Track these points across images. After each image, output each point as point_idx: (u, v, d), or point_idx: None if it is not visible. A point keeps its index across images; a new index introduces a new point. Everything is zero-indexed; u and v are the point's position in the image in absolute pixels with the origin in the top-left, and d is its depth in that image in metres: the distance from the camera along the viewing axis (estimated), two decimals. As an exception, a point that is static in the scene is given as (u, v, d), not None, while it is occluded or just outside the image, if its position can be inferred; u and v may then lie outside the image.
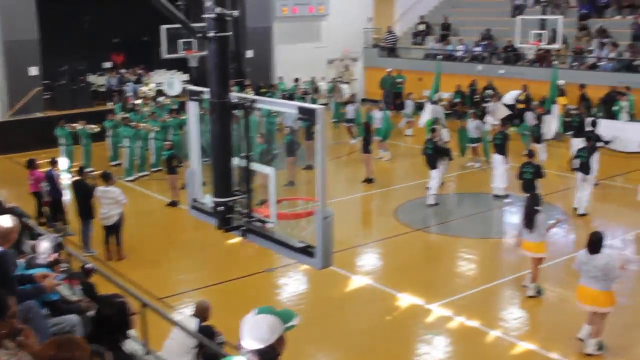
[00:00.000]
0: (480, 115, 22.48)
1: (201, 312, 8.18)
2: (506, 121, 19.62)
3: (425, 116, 21.78)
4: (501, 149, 17.34)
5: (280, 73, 29.69)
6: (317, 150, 3.96)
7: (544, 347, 10.02)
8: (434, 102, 22.20)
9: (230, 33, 4.34)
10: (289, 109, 4.26)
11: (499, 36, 28.89)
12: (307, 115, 4.03)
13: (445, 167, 17.78)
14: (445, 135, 19.37)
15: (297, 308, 11.30)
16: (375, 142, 20.61)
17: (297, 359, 9.40)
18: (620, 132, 20.55)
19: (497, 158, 17.42)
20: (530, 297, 11.57)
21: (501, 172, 17.28)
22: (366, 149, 18.93)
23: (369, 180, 18.94)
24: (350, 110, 24.23)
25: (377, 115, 21.62)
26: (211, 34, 4.24)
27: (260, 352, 3.63)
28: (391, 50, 32.53)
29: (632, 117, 22.73)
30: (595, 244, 9.48)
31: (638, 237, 14.53)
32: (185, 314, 9.58)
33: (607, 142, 18.20)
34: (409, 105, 25.35)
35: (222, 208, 4.48)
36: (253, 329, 3.62)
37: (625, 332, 10.40)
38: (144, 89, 25.85)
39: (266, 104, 4.68)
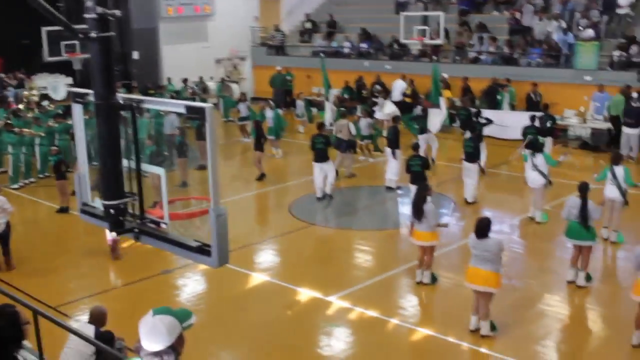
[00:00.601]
0: (370, 111, 22.89)
1: (97, 318, 7.97)
2: (397, 117, 20.06)
3: (328, 114, 22.31)
4: (393, 143, 17.75)
5: (168, 74, 29.33)
6: (208, 148, 3.96)
7: (440, 332, 10.33)
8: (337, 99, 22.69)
9: (113, 33, 4.26)
10: (177, 108, 4.23)
11: (384, 32, 29.48)
12: (196, 114, 4.02)
13: (351, 161, 18.12)
14: (352, 128, 19.66)
15: (197, 308, 11.22)
16: (268, 140, 20.67)
17: (201, 359, 9.36)
18: (503, 122, 21.40)
19: (389, 152, 17.82)
20: (425, 284, 11.90)
21: (393, 165, 17.69)
22: (258, 147, 18.97)
23: (261, 177, 18.99)
24: (242, 109, 24.20)
25: (269, 113, 21.72)
26: (93, 34, 4.16)
27: (160, 353, 3.62)
28: (279, 49, 32.66)
29: (513, 107, 23.73)
30: (482, 229, 9.85)
31: (522, 223, 15.17)
32: (81, 321, 9.33)
33: (490, 121, 18.93)
34: (300, 104, 25.54)
35: (113, 211, 4.41)
36: (151, 330, 3.61)
37: (517, 312, 10.84)
38: (26, 93, 24.94)
39: (153, 104, 4.63)
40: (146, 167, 4.63)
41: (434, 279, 11.98)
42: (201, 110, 3.91)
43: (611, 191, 13.39)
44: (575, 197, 11.62)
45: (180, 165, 18.23)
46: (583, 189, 11.55)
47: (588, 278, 11.75)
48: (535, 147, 15.23)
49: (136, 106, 4.30)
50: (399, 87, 26.11)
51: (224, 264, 4.16)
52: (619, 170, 13.32)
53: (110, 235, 12.61)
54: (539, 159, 14.70)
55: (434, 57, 24.87)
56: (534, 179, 14.82)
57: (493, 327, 10.09)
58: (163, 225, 4.47)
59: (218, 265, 4.11)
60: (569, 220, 11.71)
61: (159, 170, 4.54)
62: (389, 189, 17.72)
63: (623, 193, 13.30)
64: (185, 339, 3.79)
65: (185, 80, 28.10)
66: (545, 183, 14.82)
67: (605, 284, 12.25)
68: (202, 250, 4.20)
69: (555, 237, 13.66)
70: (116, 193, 4.41)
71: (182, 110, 4.09)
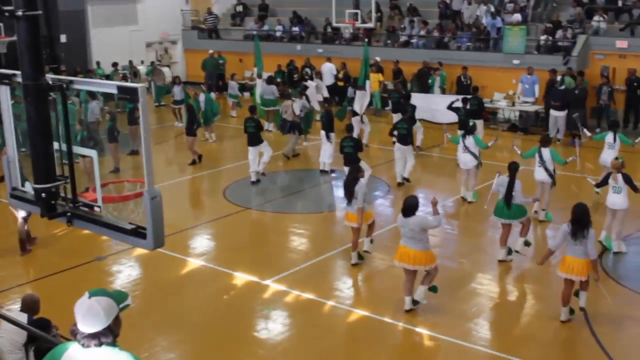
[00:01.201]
0: (304, 94, 22.88)
1: (29, 307, 7.81)
2: (329, 100, 20.15)
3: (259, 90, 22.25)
4: (327, 126, 17.83)
5: (98, 58, 28.71)
6: (142, 128, 3.90)
7: (376, 312, 10.46)
8: (270, 82, 22.54)
9: (40, 12, 4.16)
10: (108, 89, 4.15)
11: (316, 16, 29.45)
12: (128, 95, 3.95)
13: (295, 141, 18.48)
14: (296, 108, 19.67)
15: (132, 294, 10.89)
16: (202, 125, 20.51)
17: (137, 345, 9.26)
18: (434, 105, 21.65)
19: (323, 135, 17.89)
20: (355, 265, 12.04)
21: (327, 148, 17.77)
22: (190, 131, 18.79)
23: (194, 162, 18.84)
24: (177, 92, 23.89)
25: (201, 97, 21.49)
26: (19, 12, 4.04)
27: (97, 335, 3.57)
28: (212, 32, 32.31)
29: (444, 91, 24.05)
30: (409, 208, 10.01)
31: (454, 203, 15.45)
32: (12, 310, 9.12)
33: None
34: (233, 87, 25.35)
35: (44, 195, 4.31)
36: (88, 312, 3.56)
37: (450, 291, 11.06)
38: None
39: (83, 84, 4.53)
40: (78, 149, 4.54)
41: (360, 257, 12.16)
42: (134, 91, 3.84)
43: (539, 173, 13.77)
44: (505, 177, 11.91)
45: (111, 151, 17.91)
46: (513, 169, 11.84)
47: (526, 243, 12.18)
48: (466, 129, 15.52)
49: (66, 87, 4.20)
50: (327, 70, 26.13)
51: (160, 246, 4.12)
52: (546, 152, 13.67)
53: (20, 218, 12.32)
54: (470, 140, 14.99)
55: (365, 40, 24.97)
56: (466, 161, 15.10)
57: (415, 302, 10.36)
58: (96, 209, 4.39)
59: (154, 247, 4.07)
60: (497, 199, 12.02)
61: (91, 153, 4.46)
62: (323, 172, 17.80)
63: (551, 175, 13.67)
64: (122, 321, 3.75)
65: (115, 64, 27.56)
66: (476, 164, 15.12)
67: (532, 261, 12.56)
68: (137, 232, 4.15)
69: (485, 217, 13.93)
70: (47, 176, 4.30)
71: (114, 91, 4.02)
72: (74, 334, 3.62)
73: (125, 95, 3.95)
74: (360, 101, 19.99)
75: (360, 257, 12.16)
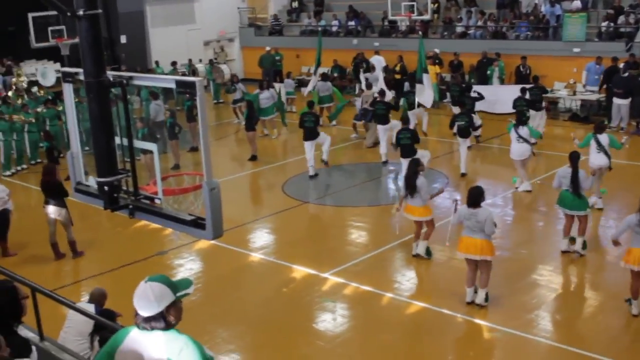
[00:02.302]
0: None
1: (97, 298, 8.05)
2: (383, 92, 20.11)
3: (310, 86, 22.28)
4: (383, 118, 17.83)
5: (157, 57, 29.20)
6: (199, 120, 4.00)
7: (435, 304, 10.43)
8: (324, 79, 22.60)
9: (100, 11, 4.30)
10: (167, 83, 4.27)
11: (372, 9, 29.39)
12: (186, 89, 4.06)
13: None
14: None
15: (194, 287, 11.23)
16: (261, 121, 20.72)
17: (198, 336, 9.37)
18: (493, 96, 21.45)
19: (379, 127, 17.92)
20: (417, 255, 12.01)
21: (384, 140, 17.80)
22: (250, 126, 18.99)
23: (253, 158, 19.03)
24: (235, 91, 24.15)
25: (263, 94, 21.62)
26: (81, 12, 4.19)
27: (149, 319, 3.68)
28: (275, 32, 32.46)
29: (503, 81, 23.77)
30: (475, 197, 9.91)
31: (514, 195, 15.25)
32: (80, 302, 9.39)
33: (481, 96, 19.14)
34: (290, 84, 25.50)
35: (107, 188, 4.45)
36: (141, 296, 3.69)
37: (511, 283, 10.96)
38: (14, 80, 24.82)
39: (143, 80, 4.66)
40: (139, 143, 4.68)
41: (428, 253, 12.06)
42: (192, 84, 3.95)
43: (597, 158, 13.45)
44: (566, 167, 11.70)
45: (172, 148, 18.24)
46: (574, 158, 11.63)
47: (584, 246, 11.86)
48: (521, 120, 15.27)
49: (126, 83, 4.33)
50: (377, 63, 25.98)
51: (219, 237, 4.22)
52: (604, 138, 13.39)
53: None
54: (524, 130, 14.76)
55: (420, 33, 24.80)
56: (520, 152, 14.88)
57: (486, 298, 10.20)
58: (157, 201, 4.53)
59: (213, 237, 4.17)
60: (560, 190, 11.79)
61: (152, 147, 4.59)
62: (385, 163, 17.84)
63: (609, 159, 13.38)
64: (182, 309, 3.85)
65: (174, 64, 28.00)
66: (530, 155, 14.88)
67: (594, 252, 12.36)
68: (197, 223, 4.26)
69: (544, 207, 13.74)
70: (110, 170, 4.45)
71: (172, 85, 4.14)
72: (135, 320, 3.76)
73: (183, 89, 4.06)
74: (421, 95, 19.86)
75: (428, 252, 12.07)
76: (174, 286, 3.79)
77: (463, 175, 16.46)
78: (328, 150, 17.56)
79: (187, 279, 3.99)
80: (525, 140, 14.72)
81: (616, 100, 20.25)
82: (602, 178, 13.71)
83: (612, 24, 23.13)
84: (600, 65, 21.80)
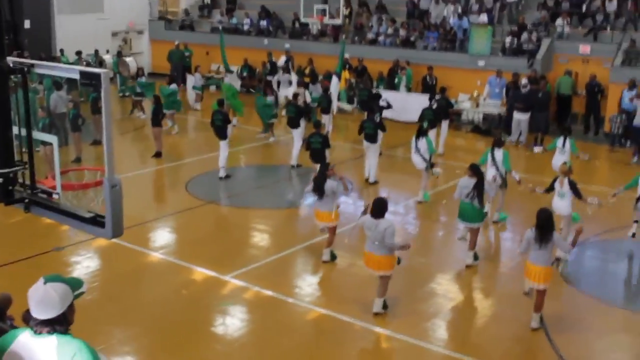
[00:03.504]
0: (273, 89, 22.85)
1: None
2: (296, 95, 20.09)
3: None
4: (294, 122, 17.81)
5: (62, 45, 28.28)
6: (103, 114, 3.84)
7: (335, 310, 10.42)
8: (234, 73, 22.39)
9: (1, -4, 4.08)
10: (70, 74, 4.08)
11: (284, 10, 29.37)
12: (91, 80, 3.88)
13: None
14: (307, 96, 19.72)
15: (91, 286, 10.93)
16: (167, 115, 20.35)
17: (93, 337, 9.07)
18: (401, 103, 21.82)
19: (293, 131, 17.89)
20: (325, 262, 12.00)
21: (296, 142, 17.75)
22: (156, 122, 18.60)
23: (158, 155, 18.65)
24: (140, 84, 23.65)
25: (167, 89, 21.29)
26: (-20, -6, 3.96)
27: (51, 321, 3.51)
28: (185, 27, 31.98)
29: (410, 90, 24.20)
30: (379, 209, 9.97)
31: (416, 205, 15.45)
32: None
33: (389, 106, 19.39)
34: (197, 79, 25.15)
35: (2, 180, 4.22)
36: (43, 298, 3.51)
37: (409, 291, 11.09)
38: None
39: (45, 68, 4.43)
40: (38, 135, 4.45)
41: (333, 257, 12.08)
42: (96, 76, 3.78)
43: (491, 173, 13.79)
44: (467, 178, 11.93)
45: (74, 140, 17.68)
46: (478, 170, 11.88)
47: (475, 257, 12.12)
48: (420, 132, 15.38)
49: (27, 70, 4.11)
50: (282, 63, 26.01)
51: (119, 236, 4.06)
52: (499, 153, 13.74)
53: None
54: (422, 142, 14.93)
55: (343, 37, 24.97)
56: (417, 162, 15.11)
57: (385, 306, 10.28)
58: (55, 196, 4.32)
59: (112, 236, 4.01)
60: (461, 202, 12.01)
61: (52, 139, 4.39)
62: (293, 167, 17.79)
63: (502, 176, 13.73)
64: (75, 309, 3.70)
65: (79, 53, 27.17)
66: (426, 166, 15.06)
67: (492, 262, 12.69)
68: (96, 221, 4.09)
69: (445, 216, 14.00)
70: (5, 161, 4.22)
71: (76, 76, 3.95)
72: (26, 321, 3.56)
73: (87, 80, 3.88)
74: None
75: (333, 256, 12.10)
76: (70, 285, 3.63)
77: (372, 183, 16.55)
78: (224, 161, 16.99)
79: (77, 278, 3.83)
80: (419, 152, 14.87)
81: (516, 115, 20.91)
82: (502, 194, 14.04)
83: (515, 40, 23.89)
84: (500, 78, 22.52)
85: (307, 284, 11.55)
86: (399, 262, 10.16)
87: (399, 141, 20.10)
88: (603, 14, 23.83)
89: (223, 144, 16.74)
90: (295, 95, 19.05)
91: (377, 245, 9.87)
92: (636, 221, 13.11)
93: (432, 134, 17.25)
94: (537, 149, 15.63)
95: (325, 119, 19.08)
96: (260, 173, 18.24)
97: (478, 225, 11.99)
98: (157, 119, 18.55)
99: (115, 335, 9.65)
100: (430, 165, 15.14)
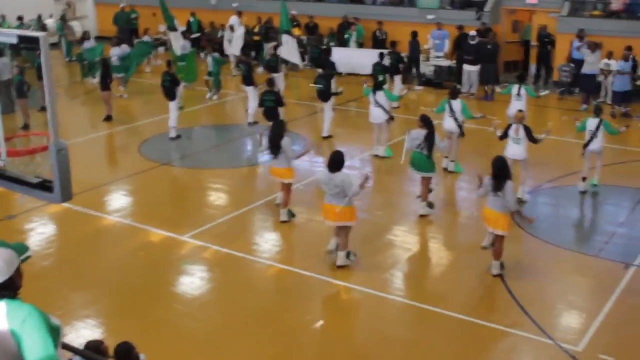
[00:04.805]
0: (218, 48, 22.57)
1: None
2: (246, 51, 19.92)
3: (176, 45, 21.48)
4: (248, 79, 17.73)
5: (3, 12, 27.46)
6: (45, 78, 3.79)
7: (295, 266, 10.55)
8: (187, 37, 21.92)
9: None
10: (9, 38, 4.00)
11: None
12: (30, 44, 3.82)
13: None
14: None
15: (46, 252, 10.92)
16: (115, 80, 20.04)
17: (52, 303, 9.11)
18: (352, 59, 21.84)
19: (246, 88, 17.81)
20: (284, 222, 12.03)
21: (251, 100, 17.66)
22: (105, 86, 18.33)
23: (108, 118, 18.41)
24: (86, 48, 23.15)
25: (116, 52, 20.95)
26: None
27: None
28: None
29: (361, 46, 24.15)
30: (335, 163, 10.02)
31: (371, 158, 15.56)
32: None
33: (340, 73, 19.50)
34: (147, 39, 24.69)
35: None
36: None
37: (367, 243, 11.24)
38: None
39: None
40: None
41: (291, 215, 12.14)
42: (34, 39, 3.72)
43: (448, 123, 14.02)
44: (418, 129, 12.06)
45: (20, 106, 17.35)
46: (428, 121, 12.01)
47: (430, 206, 12.32)
48: (377, 85, 15.58)
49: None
50: (236, 23, 25.65)
51: (68, 200, 4.04)
52: (456, 103, 13.95)
53: None
54: (380, 95, 15.08)
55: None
56: (377, 115, 15.22)
57: (348, 256, 10.41)
58: (0, 163, 4.27)
59: (61, 200, 3.99)
60: (413, 152, 12.15)
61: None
62: (250, 124, 17.73)
63: (459, 125, 13.96)
64: (23, 272, 3.69)
65: (20, 18, 26.46)
66: (387, 118, 15.23)
67: (446, 212, 12.90)
68: (44, 186, 4.06)
69: (399, 171, 14.13)
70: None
71: (15, 40, 3.88)
72: None
73: (26, 44, 3.82)
74: (290, 56, 19.74)
75: (292, 214, 12.15)
76: (15, 250, 3.63)
77: (325, 138, 16.62)
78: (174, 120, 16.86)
79: (21, 243, 3.84)
80: (381, 106, 15.03)
81: (466, 67, 21.05)
82: (456, 143, 14.24)
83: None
84: (441, 29, 22.62)
85: (265, 241, 11.63)
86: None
87: (351, 96, 20.11)
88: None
89: (172, 104, 16.62)
90: (246, 53, 18.89)
91: (336, 197, 9.97)
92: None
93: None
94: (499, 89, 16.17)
95: (276, 77, 18.94)
96: (213, 133, 18.15)
97: (430, 175, 12.17)
98: (105, 83, 18.27)
99: (74, 300, 9.65)
100: (391, 117, 15.27)
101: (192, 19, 26.88)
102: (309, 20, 25.20)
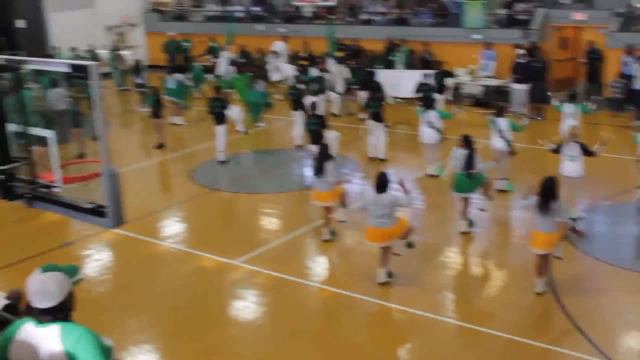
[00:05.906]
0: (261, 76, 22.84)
1: (13, 295, 7.67)
2: (296, 77, 20.06)
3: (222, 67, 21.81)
4: (296, 104, 17.86)
5: (57, 43, 28.19)
6: (95, 106, 3.88)
7: (346, 288, 10.49)
8: (233, 64, 22.27)
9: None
10: (61, 67, 4.11)
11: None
12: (83, 73, 3.92)
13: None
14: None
15: (102, 278, 11.08)
16: (168, 108, 20.38)
17: (109, 328, 9.17)
18: (397, 80, 21.83)
19: (294, 113, 17.95)
20: (326, 240, 12.07)
21: (298, 125, 17.82)
22: (157, 114, 18.65)
23: (160, 146, 18.70)
24: (139, 77, 23.64)
25: (169, 81, 21.30)
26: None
27: (51, 310, 3.57)
28: (179, 17, 31.94)
29: (409, 68, 24.12)
30: (382, 183, 10.05)
31: (421, 179, 15.48)
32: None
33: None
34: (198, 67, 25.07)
35: (2, 177, 4.27)
36: (41, 288, 3.56)
37: (418, 264, 11.15)
38: None
39: (35, 63, 4.48)
40: (35, 130, 4.49)
41: (332, 234, 12.19)
42: (84, 68, 3.81)
43: (497, 142, 13.85)
44: (459, 149, 11.99)
45: (75, 136, 17.72)
46: (468, 140, 11.95)
47: (470, 224, 12.27)
48: (428, 104, 15.58)
49: (18, 66, 4.15)
50: (279, 49, 25.93)
51: (120, 225, 4.12)
52: (502, 122, 13.80)
53: None
54: (432, 115, 15.07)
55: (330, 18, 24.90)
56: (429, 135, 15.18)
57: (390, 275, 10.40)
58: (56, 189, 4.37)
59: (114, 225, 4.07)
60: (455, 174, 12.10)
61: (48, 133, 4.43)
62: (298, 147, 17.87)
63: (508, 143, 13.78)
64: (76, 296, 3.75)
65: (73, 49, 27.15)
66: (439, 138, 15.19)
67: (497, 232, 12.73)
68: (97, 211, 4.14)
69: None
70: (4, 158, 4.26)
71: (67, 70, 3.99)
72: (27, 313, 3.62)
73: (77, 72, 3.92)
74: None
75: (332, 233, 12.19)
76: (67, 273, 3.68)
77: (382, 160, 16.60)
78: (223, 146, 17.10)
79: (73, 266, 3.89)
80: (432, 125, 15.01)
81: (515, 86, 20.85)
82: (506, 162, 14.08)
83: (509, 11, 23.81)
84: (490, 50, 22.46)
85: (317, 264, 11.64)
86: (411, 245, 10.45)
87: (398, 118, 20.04)
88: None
89: (221, 129, 16.83)
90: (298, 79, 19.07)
91: (381, 218, 10.00)
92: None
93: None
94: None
95: (320, 100, 19.01)
96: (262, 158, 18.26)
97: (469, 196, 12.17)
98: (157, 111, 18.59)
99: (129, 325, 9.74)
100: (443, 137, 15.23)
101: (213, 45, 27.25)
102: (352, 43, 25.27)
